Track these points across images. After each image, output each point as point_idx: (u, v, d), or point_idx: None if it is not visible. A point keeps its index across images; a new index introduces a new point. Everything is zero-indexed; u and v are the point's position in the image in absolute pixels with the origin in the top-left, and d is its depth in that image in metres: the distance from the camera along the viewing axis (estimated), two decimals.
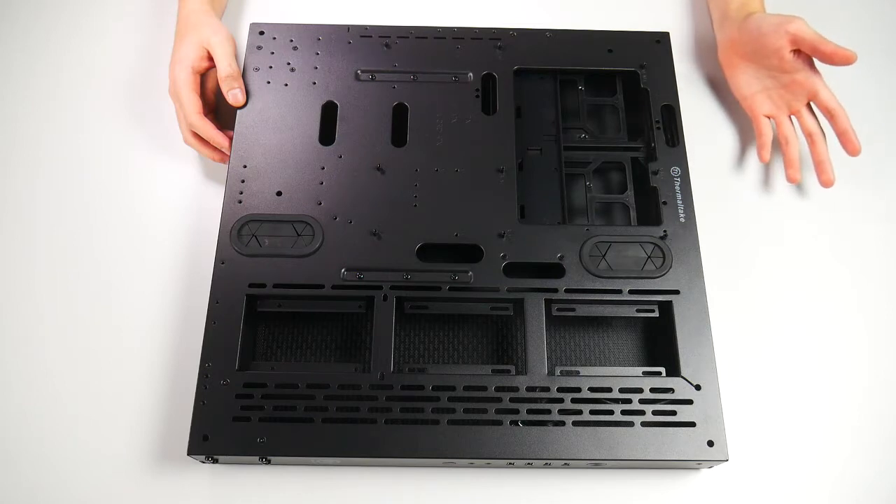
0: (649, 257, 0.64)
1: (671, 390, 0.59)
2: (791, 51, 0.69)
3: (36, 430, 0.63)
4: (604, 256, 0.64)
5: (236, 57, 0.72)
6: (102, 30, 0.82)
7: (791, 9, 0.72)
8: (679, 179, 0.68)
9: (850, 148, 0.70)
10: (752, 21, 0.72)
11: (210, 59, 0.71)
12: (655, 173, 0.68)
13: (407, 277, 0.63)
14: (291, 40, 0.73)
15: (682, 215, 0.66)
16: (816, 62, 0.71)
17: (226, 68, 0.69)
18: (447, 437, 0.57)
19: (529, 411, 0.58)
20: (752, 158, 0.75)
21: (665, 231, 0.65)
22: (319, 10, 0.83)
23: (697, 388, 0.59)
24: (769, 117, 0.73)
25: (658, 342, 0.64)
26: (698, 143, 0.73)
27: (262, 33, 0.74)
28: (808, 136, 0.71)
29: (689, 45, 0.82)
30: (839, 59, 0.67)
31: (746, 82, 0.74)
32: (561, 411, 0.58)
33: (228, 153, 0.69)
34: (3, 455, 0.62)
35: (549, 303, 0.63)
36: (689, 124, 0.71)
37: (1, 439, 0.63)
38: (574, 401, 0.59)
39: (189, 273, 0.68)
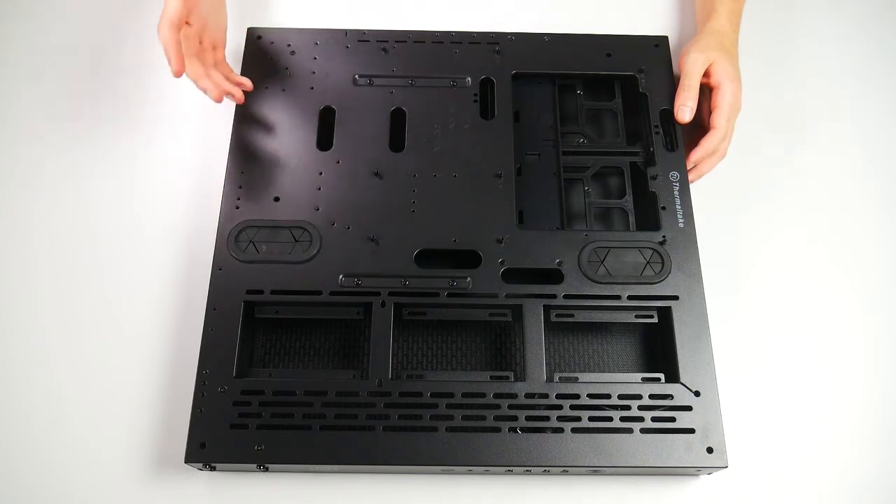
0: (648, 263, 0.64)
1: (670, 396, 0.59)
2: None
3: (33, 436, 0.63)
4: (602, 262, 0.64)
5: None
6: (102, 29, 0.81)
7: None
8: (678, 184, 0.67)
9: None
10: (696, 37, 0.75)
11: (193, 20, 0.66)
12: (654, 178, 0.68)
13: (405, 283, 0.62)
14: (289, 45, 0.73)
15: (681, 220, 0.66)
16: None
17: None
18: (445, 444, 0.57)
19: (528, 418, 0.58)
20: (752, 163, 0.75)
21: (664, 236, 0.65)
22: (317, 15, 0.82)
23: (697, 394, 0.59)
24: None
25: (657, 348, 0.64)
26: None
27: (259, 38, 0.73)
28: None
29: None
30: (676, 110, 0.70)
31: None
32: (560, 418, 0.58)
33: (177, 68, 0.62)
34: (1, 463, 0.62)
35: (547, 309, 0.62)
36: (687, 129, 0.71)
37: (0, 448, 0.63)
38: (573, 407, 0.58)
39: (186, 279, 0.68)
